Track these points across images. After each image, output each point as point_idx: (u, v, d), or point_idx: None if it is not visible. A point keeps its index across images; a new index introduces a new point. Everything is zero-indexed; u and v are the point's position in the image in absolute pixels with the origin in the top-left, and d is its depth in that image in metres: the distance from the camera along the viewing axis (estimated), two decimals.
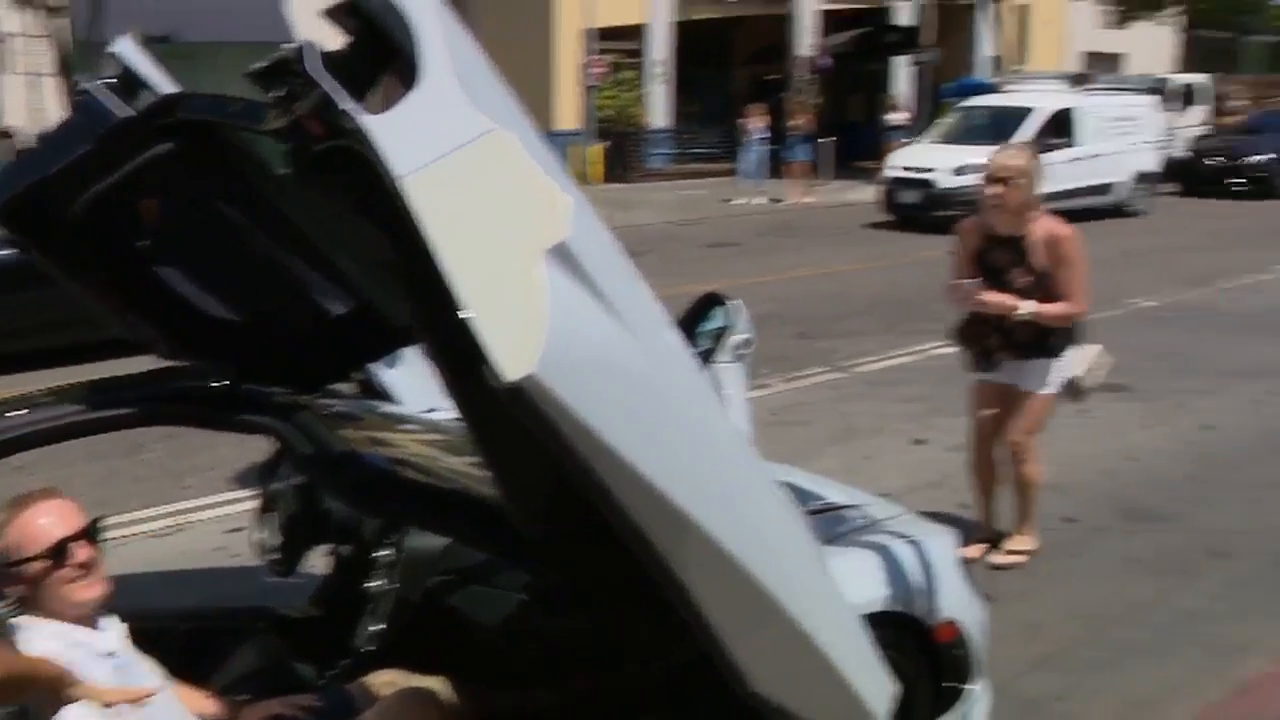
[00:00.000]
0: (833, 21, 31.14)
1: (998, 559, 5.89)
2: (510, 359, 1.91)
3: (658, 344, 2.30)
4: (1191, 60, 37.73)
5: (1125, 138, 21.88)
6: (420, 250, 1.91)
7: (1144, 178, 22.35)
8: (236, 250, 3.12)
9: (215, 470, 7.14)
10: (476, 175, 1.99)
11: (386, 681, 3.21)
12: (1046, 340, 5.65)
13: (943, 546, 3.87)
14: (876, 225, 20.42)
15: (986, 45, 33.05)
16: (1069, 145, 20.76)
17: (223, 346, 3.11)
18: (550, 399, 1.98)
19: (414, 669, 3.25)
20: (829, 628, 2.61)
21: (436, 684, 3.20)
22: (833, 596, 2.70)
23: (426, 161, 1.93)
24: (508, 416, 2.02)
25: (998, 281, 5.60)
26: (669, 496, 2.20)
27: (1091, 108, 21.78)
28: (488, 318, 1.91)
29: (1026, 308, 5.52)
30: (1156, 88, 26.74)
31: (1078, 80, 24.39)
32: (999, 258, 5.62)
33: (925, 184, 20.06)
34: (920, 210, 19.99)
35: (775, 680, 2.51)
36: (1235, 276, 15.08)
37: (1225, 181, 25.22)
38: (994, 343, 5.73)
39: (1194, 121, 29.98)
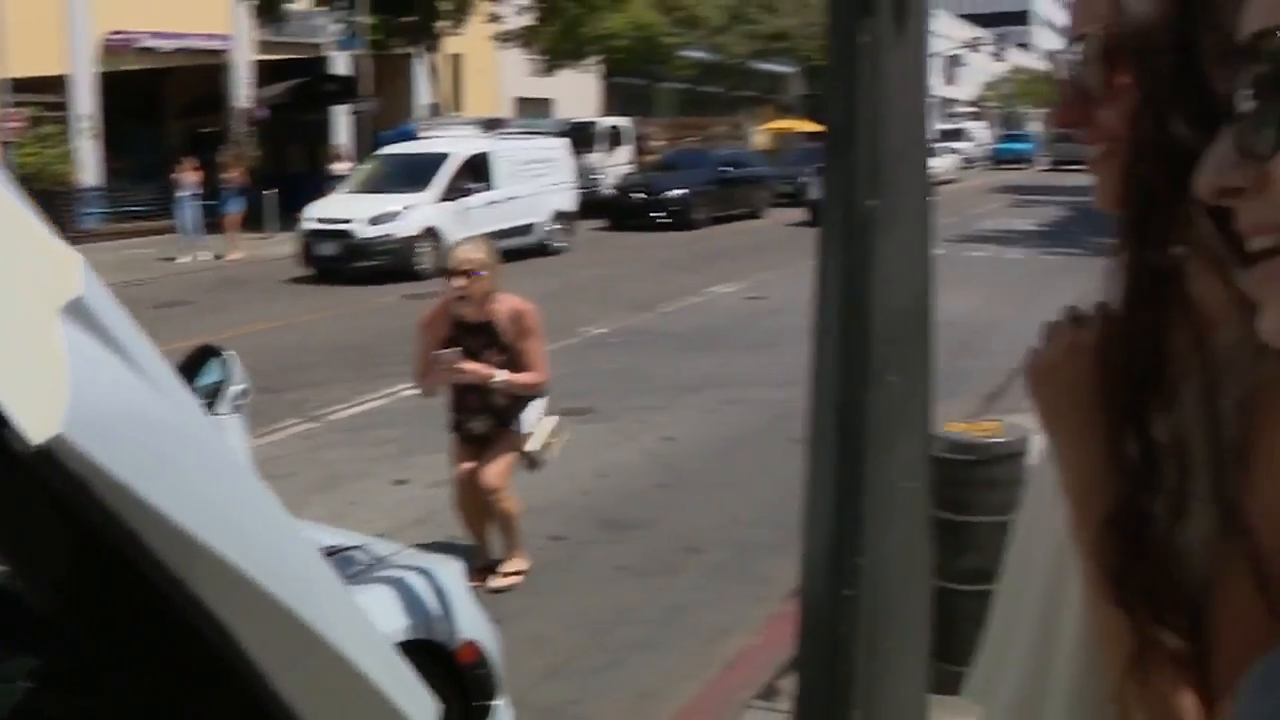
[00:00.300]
0: (269, 71, 30.78)
1: (496, 583, 6.13)
2: (34, 421, 1.84)
3: (175, 396, 2.27)
4: (613, 104, 40.41)
5: (541, 179, 22.48)
6: None
7: (562, 216, 23.11)
8: None
9: None
10: None
11: None
12: (520, 400, 6.09)
13: (452, 574, 4.00)
14: (300, 280, 19.26)
15: (425, 93, 33.78)
16: (487, 188, 21.14)
17: None
18: (78, 457, 1.91)
19: None
20: (369, 655, 2.64)
21: None
22: (367, 626, 2.74)
23: None
24: (21, 484, 1.93)
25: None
26: (205, 541, 2.18)
27: (506, 151, 22.24)
28: (5, 381, 1.83)
29: (501, 375, 5.92)
30: (569, 130, 28.34)
31: (490, 125, 25.33)
32: (471, 343, 5.97)
33: (343, 234, 19.24)
34: (339, 262, 19.12)
35: (325, 712, 2.53)
36: (673, 300, 16.33)
37: (649, 215, 27.07)
38: (478, 425, 6.09)
39: (620, 161, 32.23)
